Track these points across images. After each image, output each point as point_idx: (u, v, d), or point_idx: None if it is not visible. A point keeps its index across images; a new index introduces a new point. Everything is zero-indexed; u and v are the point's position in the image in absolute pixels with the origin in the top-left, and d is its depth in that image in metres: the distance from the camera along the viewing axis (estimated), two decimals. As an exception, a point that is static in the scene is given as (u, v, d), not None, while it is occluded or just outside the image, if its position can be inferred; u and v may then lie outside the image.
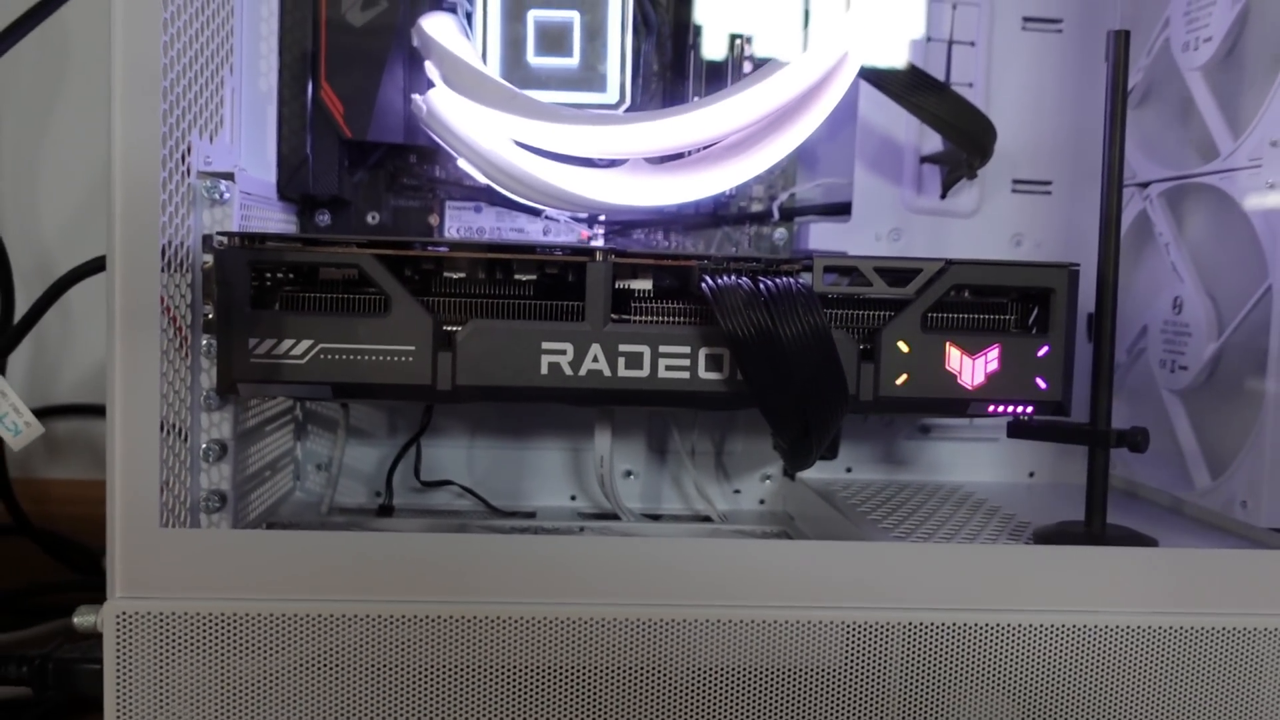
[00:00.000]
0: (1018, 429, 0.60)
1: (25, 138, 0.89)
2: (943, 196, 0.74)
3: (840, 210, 0.75)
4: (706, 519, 0.76)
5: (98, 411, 0.90)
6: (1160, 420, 0.68)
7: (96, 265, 0.63)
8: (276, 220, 0.69)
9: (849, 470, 0.77)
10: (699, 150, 0.61)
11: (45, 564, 0.82)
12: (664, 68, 0.72)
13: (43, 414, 0.89)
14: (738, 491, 0.78)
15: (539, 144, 0.58)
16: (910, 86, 0.66)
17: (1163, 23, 0.68)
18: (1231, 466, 0.61)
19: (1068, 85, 0.74)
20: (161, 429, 0.51)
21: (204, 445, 0.58)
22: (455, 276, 0.58)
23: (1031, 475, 0.77)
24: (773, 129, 0.58)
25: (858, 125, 0.73)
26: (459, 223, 0.73)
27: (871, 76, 0.65)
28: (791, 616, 0.51)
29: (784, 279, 0.55)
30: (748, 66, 0.72)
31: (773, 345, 0.53)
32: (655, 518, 0.76)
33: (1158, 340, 0.68)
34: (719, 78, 0.71)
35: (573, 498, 0.78)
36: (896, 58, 0.65)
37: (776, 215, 0.74)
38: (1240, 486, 0.60)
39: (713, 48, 0.70)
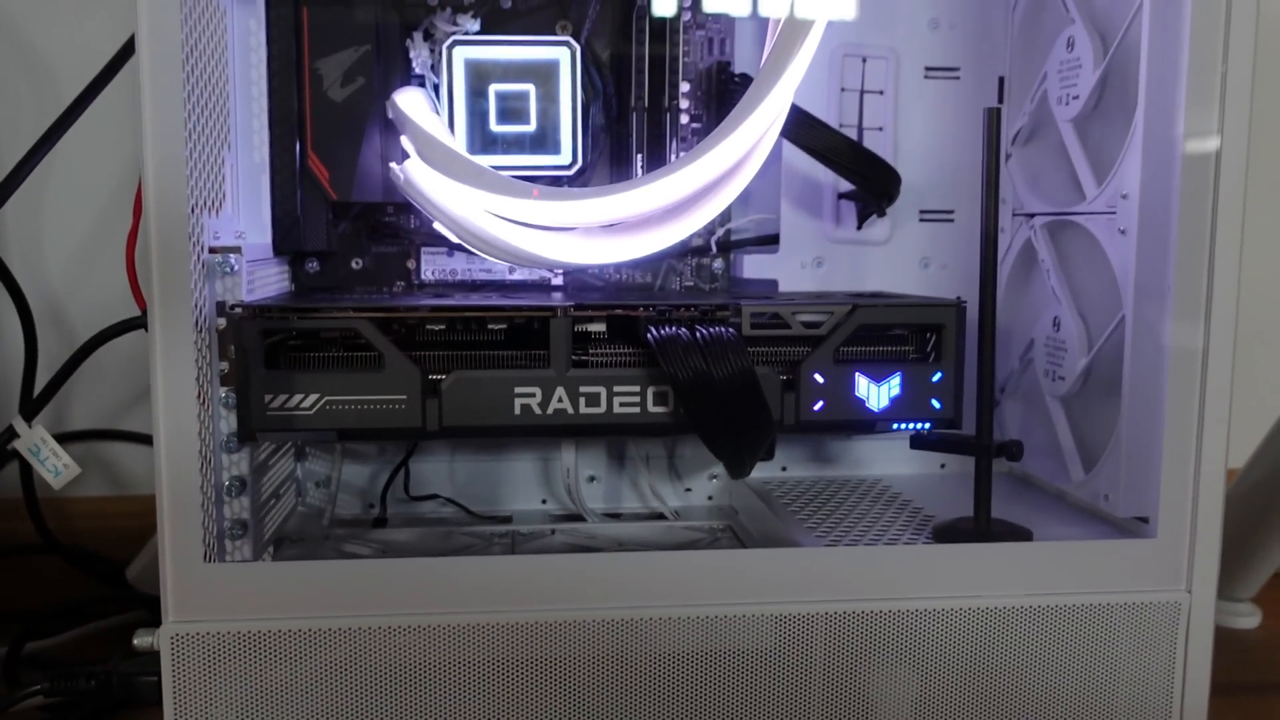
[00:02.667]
0: (918, 441, 0.71)
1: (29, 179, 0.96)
2: (859, 228, 0.84)
3: (770, 241, 0.85)
4: (661, 516, 0.86)
5: (108, 436, 0.99)
6: (1046, 420, 0.80)
7: (124, 326, 0.71)
8: (273, 273, 0.77)
9: (784, 469, 0.88)
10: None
11: (72, 576, 0.92)
12: (611, 122, 0.81)
13: (59, 439, 0.99)
14: (689, 490, 0.89)
15: (503, 215, 0.67)
16: (825, 144, 0.76)
17: (1042, 75, 0.79)
18: (1097, 465, 0.72)
19: (965, 125, 0.85)
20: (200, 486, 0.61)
21: (226, 483, 0.68)
22: (438, 328, 0.68)
23: (943, 466, 0.89)
24: (705, 194, 0.68)
25: (782, 167, 0.83)
26: (433, 265, 0.83)
27: (791, 136, 0.75)
28: (730, 612, 0.62)
29: (716, 328, 0.65)
30: (684, 118, 0.82)
31: (708, 385, 0.64)
32: (616, 516, 0.87)
33: (1042, 352, 0.79)
34: (658, 130, 0.81)
35: (544, 501, 0.88)
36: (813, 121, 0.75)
37: (714, 249, 0.84)
38: (1104, 482, 0.71)
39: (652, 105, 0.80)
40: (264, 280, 0.74)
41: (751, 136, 0.66)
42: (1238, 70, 0.63)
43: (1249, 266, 0.64)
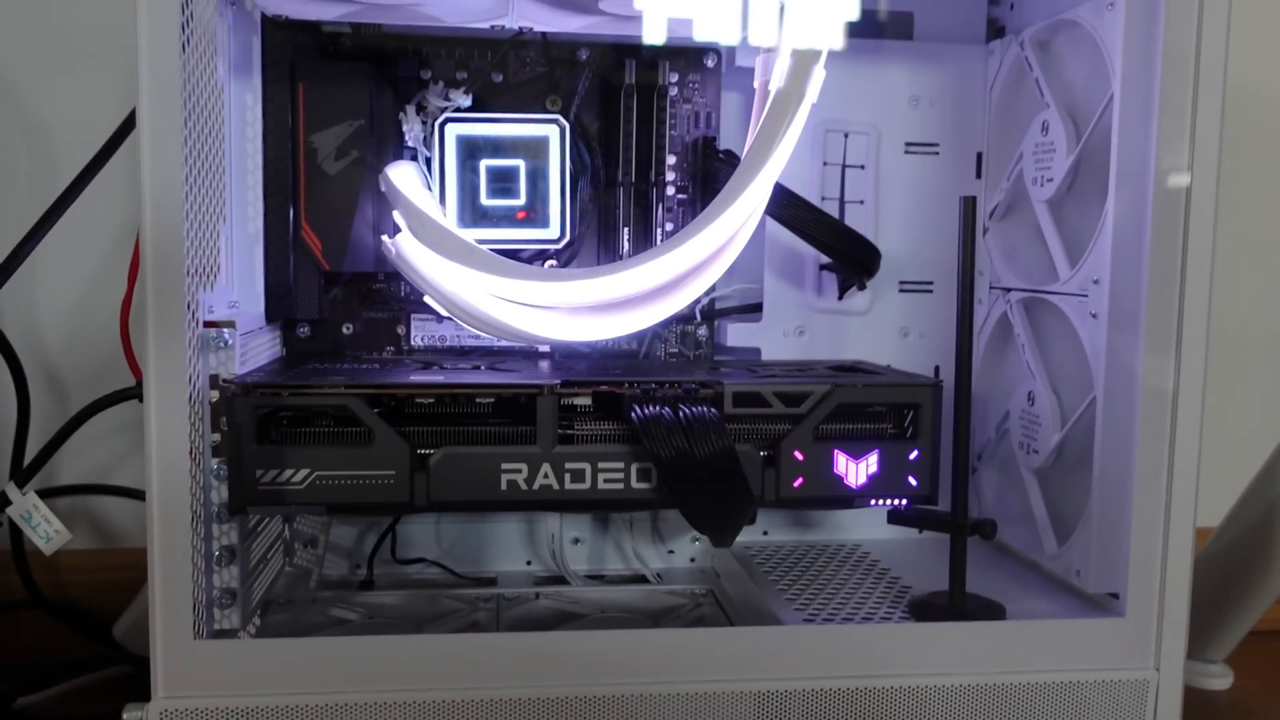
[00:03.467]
0: (895, 517, 0.72)
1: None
2: (840, 299, 0.86)
3: (753, 310, 0.87)
4: (644, 578, 0.88)
5: (97, 490, 0.99)
6: (1022, 490, 0.81)
7: (119, 396, 0.73)
8: (265, 340, 0.79)
9: (765, 533, 0.90)
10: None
11: (61, 631, 0.92)
12: (599, 194, 0.83)
13: (47, 494, 0.99)
14: (671, 552, 0.90)
15: (491, 293, 0.69)
16: (808, 222, 0.78)
17: (1018, 155, 0.81)
18: (1069, 540, 0.74)
19: (945, 199, 0.87)
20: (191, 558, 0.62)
21: (216, 553, 0.69)
22: (427, 401, 0.70)
23: (921, 532, 0.90)
24: (690, 275, 0.69)
25: (766, 239, 0.85)
26: (423, 331, 0.84)
27: (775, 214, 0.77)
28: (710, 689, 0.64)
29: (698, 407, 0.67)
30: (670, 190, 0.84)
31: (689, 464, 0.66)
32: (600, 578, 0.88)
33: (1017, 425, 0.81)
34: (645, 204, 0.82)
35: (529, 563, 0.89)
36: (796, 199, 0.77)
37: (699, 317, 0.86)
38: (1076, 557, 0.73)
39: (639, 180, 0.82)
40: (256, 350, 0.75)
41: (737, 220, 0.68)
42: (1204, 161, 0.65)
43: (1220, 337, 0.66)
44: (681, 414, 0.66)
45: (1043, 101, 0.78)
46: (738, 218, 0.67)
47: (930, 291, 0.88)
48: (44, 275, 0.97)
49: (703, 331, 0.87)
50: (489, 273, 0.68)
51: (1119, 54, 0.68)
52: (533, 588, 0.84)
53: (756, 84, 0.72)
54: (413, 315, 0.84)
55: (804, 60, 0.66)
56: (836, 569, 0.82)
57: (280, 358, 0.82)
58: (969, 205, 0.68)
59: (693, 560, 0.91)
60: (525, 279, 0.68)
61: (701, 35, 0.64)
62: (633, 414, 0.66)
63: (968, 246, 0.68)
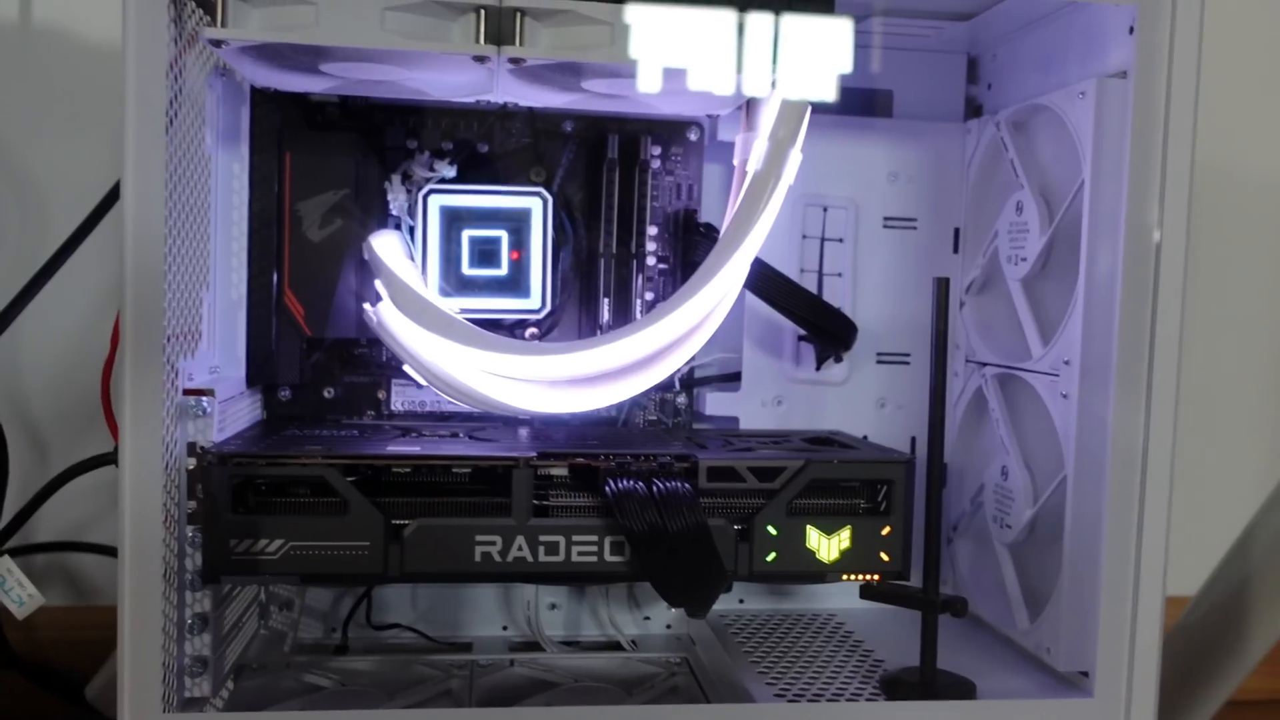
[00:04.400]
0: (867, 592, 0.72)
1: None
2: (817, 369, 0.87)
3: (732, 379, 0.88)
4: (619, 645, 0.88)
5: (71, 547, 0.99)
6: (995, 564, 0.82)
7: (96, 462, 0.73)
8: (245, 405, 0.79)
9: (741, 601, 0.90)
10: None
11: (34, 691, 0.92)
12: (580, 264, 0.84)
13: (24, 551, 0.99)
14: (647, 618, 0.90)
15: (470, 367, 0.69)
16: (784, 296, 0.79)
17: (994, 233, 0.82)
18: (1040, 617, 0.74)
19: (922, 272, 0.88)
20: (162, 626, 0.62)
21: (189, 620, 0.69)
22: (404, 470, 0.70)
23: (896, 603, 0.90)
24: (668, 350, 0.70)
25: (745, 310, 0.86)
26: (403, 396, 0.85)
27: (754, 289, 0.78)
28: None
29: (672, 482, 0.67)
30: (651, 259, 0.85)
31: (662, 538, 0.66)
32: (576, 644, 0.88)
33: (991, 499, 0.82)
34: (626, 274, 0.84)
35: (504, 628, 0.89)
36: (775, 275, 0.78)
37: (679, 385, 0.87)
38: (1046, 634, 0.73)
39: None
40: (236, 415, 0.76)
41: (714, 297, 0.69)
42: (1171, 247, 0.66)
43: (1196, 404, 0.67)
44: (655, 489, 0.67)
45: (1017, 181, 0.79)
46: (715, 295, 0.68)
47: (908, 363, 0.89)
48: (29, 334, 0.97)
49: (681, 399, 0.88)
50: (468, 345, 0.69)
51: (1089, 141, 0.70)
52: (508, 654, 0.84)
53: (736, 162, 0.73)
54: (393, 380, 0.84)
55: (781, 145, 0.67)
56: (810, 640, 0.82)
57: (261, 421, 0.83)
58: (941, 287, 0.69)
59: (668, 627, 0.91)
60: (504, 352, 0.68)
61: (695, 85, 0.64)
62: (606, 488, 0.67)
63: (941, 328, 0.69)
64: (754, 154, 0.69)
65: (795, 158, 0.68)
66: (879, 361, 0.89)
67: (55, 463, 0.99)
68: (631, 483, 0.67)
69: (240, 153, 0.78)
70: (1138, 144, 0.66)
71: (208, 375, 0.75)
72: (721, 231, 0.71)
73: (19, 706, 0.91)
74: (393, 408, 0.85)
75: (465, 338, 0.69)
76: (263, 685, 0.78)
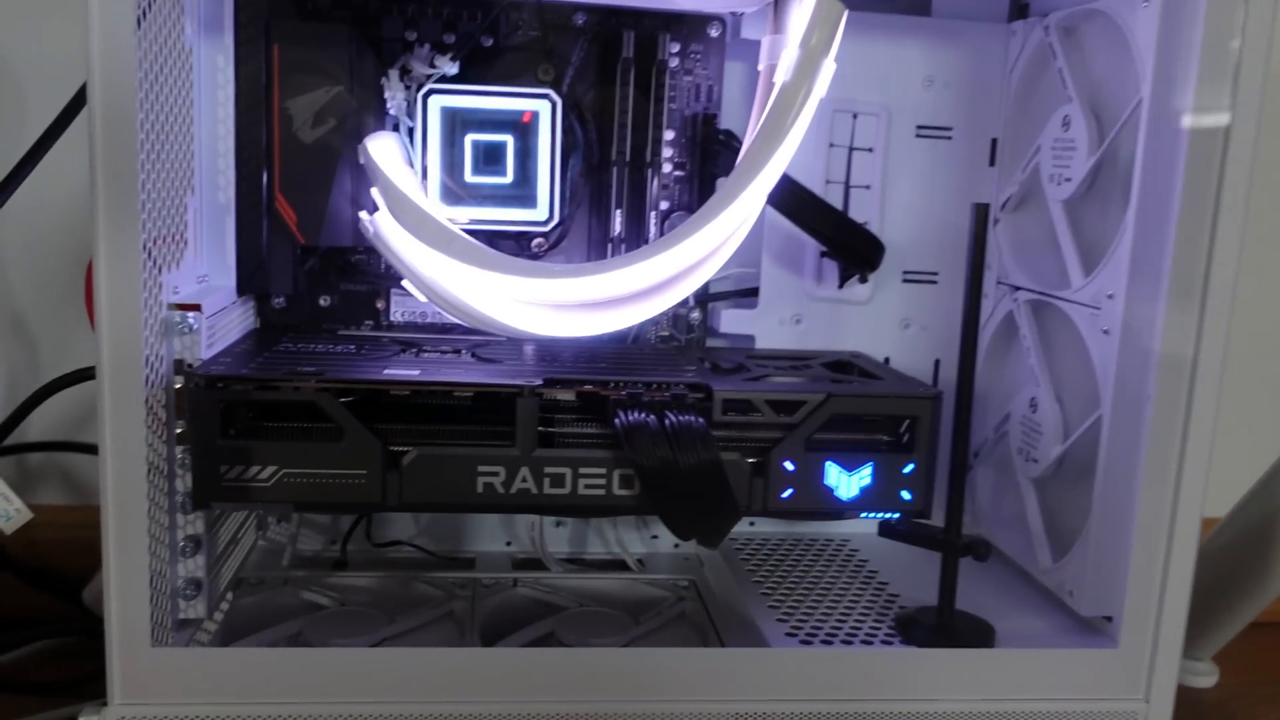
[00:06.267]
0: (886, 530, 0.69)
1: None
2: (840, 287, 0.82)
3: (749, 294, 0.83)
4: (625, 564, 0.86)
5: (65, 447, 0.97)
6: (1017, 496, 0.79)
7: (80, 375, 0.69)
8: (236, 315, 0.75)
9: (751, 524, 0.87)
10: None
11: (29, 592, 0.91)
12: (591, 169, 0.79)
13: (18, 450, 0.96)
14: (655, 537, 0.88)
15: (473, 285, 0.65)
16: (809, 214, 0.74)
17: (1035, 148, 0.77)
18: (1065, 557, 0.71)
19: (955, 186, 0.83)
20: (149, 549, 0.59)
21: (180, 543, 0.66)
22: (402, 393, 0.66)
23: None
24: (681, 275, 0.66)
25: (765, 223, 0.81)
26: (403, 307, 0.81)
27: (775, 203, 0.73)
28: (690, 709, 0.62)
29: (685, 416, 0.64)
30: (667, 167, 0.80)
31: (673, 474, 0.63)
32: (580, 561, 0.86)
33: (1017, 430, 0.78)
34: (640, 183, 0.78)
35: (508, 543, 0.87)
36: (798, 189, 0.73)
37: (692, 301, 0.82)
38: (1070, 576, 0.71)
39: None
40: (226, 327, 0.72)
41: (734, 221, 0.64)
42: (1235, 179, 0.61)
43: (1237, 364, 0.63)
44: (667, 423, 0.63)
45: (1065, 94, 0.73)
46: (735, 218, 0.63)
47: (934, 283, 0.84)
48: (13, 228, 0.93)
49: (695, 315, 0.84)
50: (470, 264, 0.65)
51: (1151, 55, 0.63)
52: (511, 573, 0.82)
53: (761, 68, 0.68)
54: (392, 290, 0.80)
55: (813, 53, 0.61)
56: (823, 570, 0.79)
57: (254, 331, 0.79)
58: (980, 214, 0.64)
59: (676, 546, 0.88)
60: (509, 273, 0.64)
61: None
62: (616, 421, 0.63)
63: (977, 261, 0.64)
64: (782, 62, 0.63)
65: (828, 68, 0.62)
66: (905, 280, 0.84)
67: (45, 360, 0.96)
68: (642, 415, 0.63)
69: (224, 44, 0.72)
70: (1207, 60, 0.60)
71: (195, 285, 0.70)
72: (744, 147, 0.66)
73: (14, 604, 0.90)
74: (392, 318, 0.81)
75: (467, 255, 0.65)
76: (259, 603, 0.77)
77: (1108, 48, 0.70)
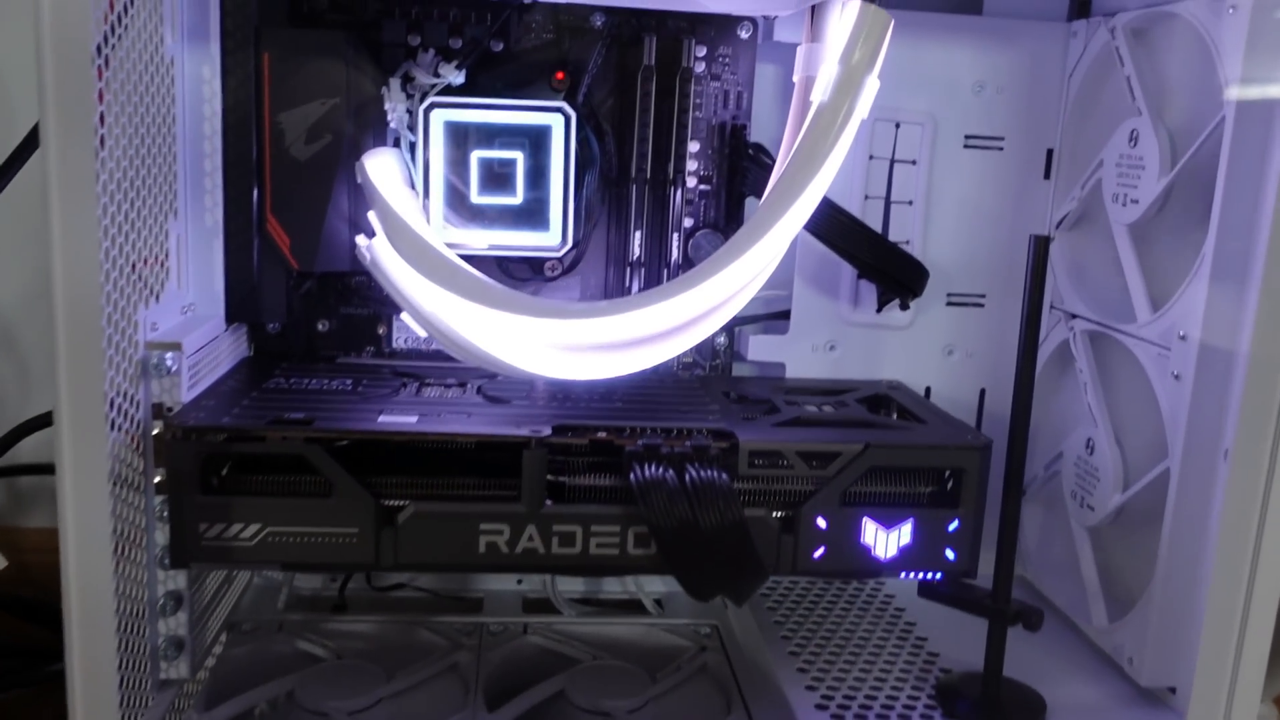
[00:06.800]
0: (927, 591, 0.63)
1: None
2: (878, 311, 0.76)
3: (779, 317, 0.77)
4: (642, 605, 0.80)
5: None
6: (1068, 541, 0.72)
7: (46, 420, 0.64)
8: (226, 346, 0.70)
9: (780, 565, 0.81)
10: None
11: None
12: (609, 184, 0.72)
13: (8, 473, 0.92)
14: (676, 575, 0.82)
15: (478, 323, 0.59)
16: (847, 239, 0.68)
17: (1097, 163, 0.69)
18: (1124, 619, 0.65)
19: (1006, 201, 0.76)
20: (116, 608, 0.54)
21: (160, 599, 0.61)
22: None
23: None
24: (706, 314, 0.59)
25: (797, 241, 0.74)
26: (406, 333, 0.75)
27: (809, 228, 0.67)
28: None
29: (707, 471, 0.57)
30: (691, 181, 0.73)
31: (693, 535, 0.57)
32: (595, 602, 0.81)
33: (1071, 472, 0.72)
34: (661, 200, 0.72)
35: (519, 581, 0.82)
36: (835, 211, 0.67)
37: (718, 325, 0.76)
38: (1129, 640, 0.64)
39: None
40: (214, 360, 0.66)
41: (765, 257, 0.57)
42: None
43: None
44: (687, 479, 0.57)
45: (1134, 106, 0.66)
46: (766, 254, 0.57)
47: (981, 306, 0.77)
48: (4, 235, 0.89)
49: (721, 341, 0.77)
50: (474, 301, 0.59)
51: (1237, 66, 0.56)
52: (521, 616, 0.77)
53: (796, 78, 0.61)
54: (394, 316, 0.74)
55: (854, 71, 0.55)
56: (856, 621, 0.73)
57: (247, 360, 0.73)
58: (1039, 248, 0.57)
59: (699, 586, 0.82)
60: (518, 312, 0.58)
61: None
62: (632, 477, 0.57)
63: (1035, 299, 0.57)
64: (820, 79, 0.56)
65: (871, 86, 0.56)
66: (949, 304, 0.77)
67: (35, 379, 0.91)
68: (660, 470, 0.57)
69: (210, 53, 0.66)
70: (1303, 79, 0.53)
71: (178, 317, 0.65)
72: (775, 169, 0.59)
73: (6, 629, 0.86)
74: (394, 345, 0.75)
75: (471, 291, 0.59)
76: (252, 652, 0.72)
77: (1184, 56, 0.63)
